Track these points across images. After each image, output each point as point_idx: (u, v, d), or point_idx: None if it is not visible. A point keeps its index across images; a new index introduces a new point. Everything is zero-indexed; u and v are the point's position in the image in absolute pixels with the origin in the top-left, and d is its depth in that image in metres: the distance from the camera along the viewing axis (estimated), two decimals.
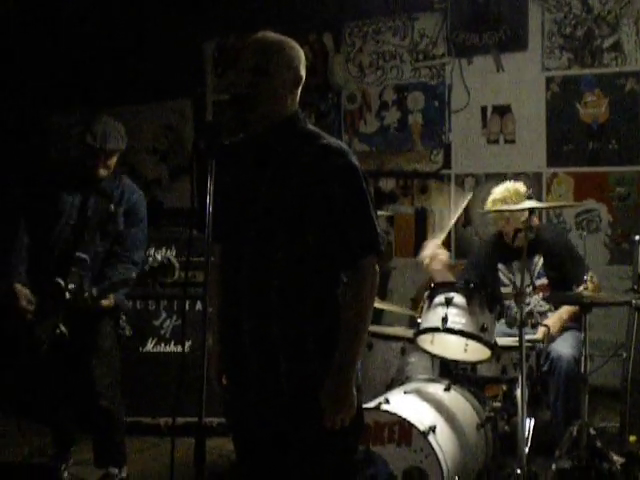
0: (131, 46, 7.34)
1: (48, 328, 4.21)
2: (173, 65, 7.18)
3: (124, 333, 4.77)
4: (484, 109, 6.32)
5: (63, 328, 4.18)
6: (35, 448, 5.16)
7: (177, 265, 3.76)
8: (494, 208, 4.77)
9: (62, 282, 4.20)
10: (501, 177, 5.52)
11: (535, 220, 4.80)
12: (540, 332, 4.54)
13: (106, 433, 4.51)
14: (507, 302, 4.66)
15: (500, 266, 4.95)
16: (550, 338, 4.57)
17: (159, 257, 4.02)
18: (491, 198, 4.86)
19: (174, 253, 5.51)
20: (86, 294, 4.17)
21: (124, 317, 4.59)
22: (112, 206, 4.37)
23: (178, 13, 7.14)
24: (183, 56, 7.19)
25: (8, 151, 7.31)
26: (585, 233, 5.62)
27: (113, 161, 4.40)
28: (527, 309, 4.63)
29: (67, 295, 4.18)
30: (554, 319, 4.68)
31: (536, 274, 4.85)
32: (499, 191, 4.83)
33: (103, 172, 4.38)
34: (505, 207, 4.66)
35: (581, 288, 4.23)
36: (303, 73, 2.76)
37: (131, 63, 7.34)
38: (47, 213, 4.38)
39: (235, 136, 2.85)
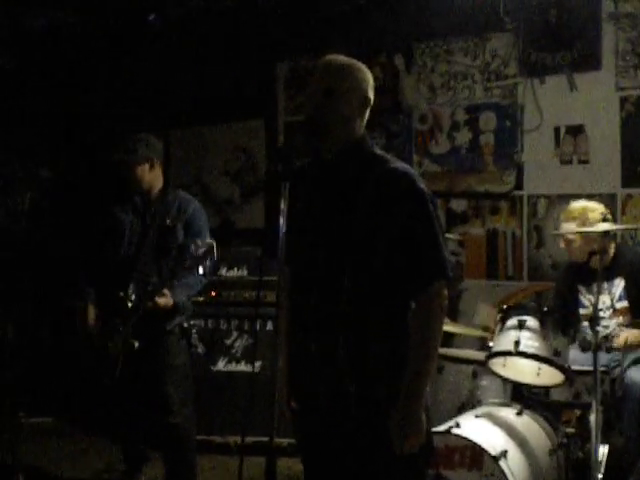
0: (205, 67, 7.44)
1: (119, 344, 4.27)
2: (246, 86, 7.26)
3: (196, 351, 4.81)
4: (557, 129, 6.23)
5: (133, 340, 4.24)
6: (107, 465, 5.23)
7: (214, 244, 3.84)
8: (565, 224, 4.72)
9: (123, 294, 4.27)
10: (575, 198, 5.44)
11: (608, 243, 4.71)
12: (620, 338, 4.45)
13: (177, 451, 4.53)
14: (584, 324, 4.59)
15: (580, 287, 4.86)
16: (624, 348, 4.48)
17: (199, 242, 4.07)
18: (563, 215, 4.80)
19: (246, 273, 5.56)
20: (150, 300, 4.23)
21: (196, 335, 4.63)
22: (168, 221, 4.43)
23: (251, 35, 7.23)
24: (256, 77, 7.26)
25: (89, 174, 7.48)
26: None
27: (141, 173, 4.47)
28: (603, 333, 4.55)
29: (129, 305, 4.25)
30: (634, 332, 4.57)
31: (617, 297, 4.75)
32: (569, 209, 4.78)
33: (136, 184, 4.47)
34: (576, 229, 4.60)
35: None
36: (371, 95, 2.77)
37: (204, 84, 7.44)
38: (111, 234, 4.49)
39: (305, 159, 2.87)
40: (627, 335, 4.49)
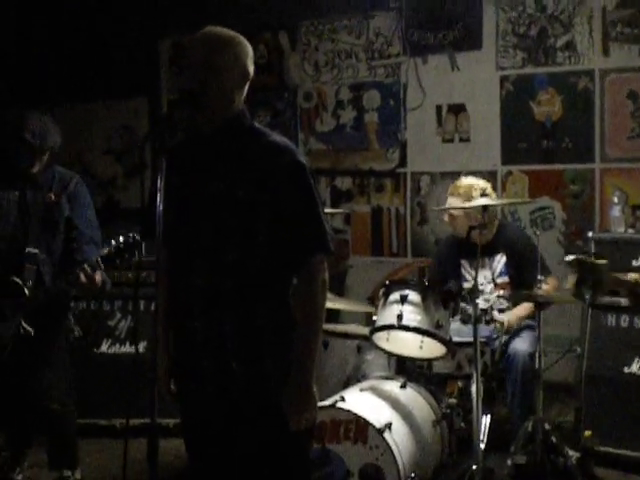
0: (86, 44, 7.27)
1: (10, 329, 4.13)
2: (128, 64, 7.13)
3: (73, 334, 4.69)
4: (439, 108, 6.34)
5: (27, 327, 4.11)
6: None
7: (142, 242, 3.68)
8: (450, 199, 4.80)
9: (19, 280, 4.13)
10: (456, 175, 5.54)
11: (490, 217, 4.81)
12: (504, 323, 4.56)
13: (58, 436, 4.46)
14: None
15: (463, 262, 4.94)
16: (505, 332, 4.59)
17: (121, 238, 3.93)
18: (450, 189, 4.89)
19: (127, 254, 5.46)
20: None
21: (72, 318, 4.53)
22: (52, 195, 4.31)
23: (133, 11, 7.09)
24: (138, 54, 7.14)
25: None
26: (539, 231, 5.65)
27: (47, 156, 4.31)
28: (483, 306, 4.65)
29: (26, 292, 4.12)
30: (510, 315, 4.69)
31: (498, 272, 4.86)
32: (457, 184, 4.86)
33: (38, 167, 4.29)
34: (457, 204, 4.68)
35: (538, 287, 4.27)
36: (251, 69, 2.73)
37: (86, 61, 7.28)
38: None
39: (183, 134, 2.82)
40: (507, 320, 4.59)
